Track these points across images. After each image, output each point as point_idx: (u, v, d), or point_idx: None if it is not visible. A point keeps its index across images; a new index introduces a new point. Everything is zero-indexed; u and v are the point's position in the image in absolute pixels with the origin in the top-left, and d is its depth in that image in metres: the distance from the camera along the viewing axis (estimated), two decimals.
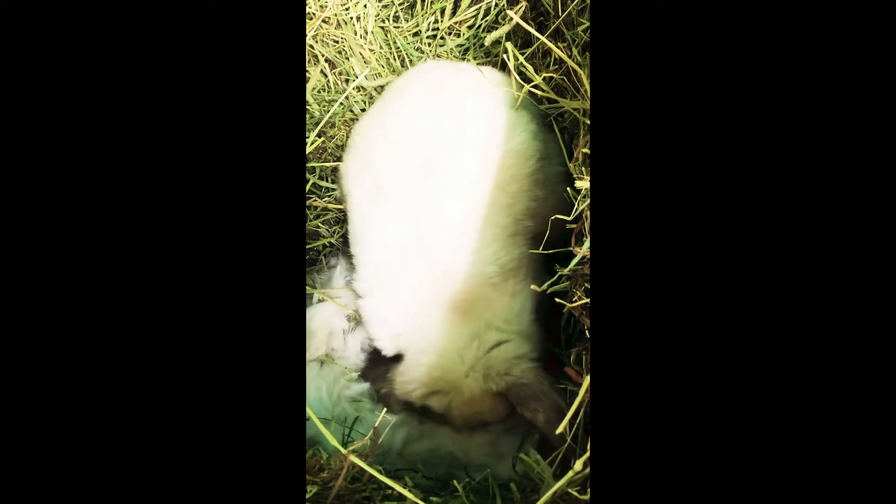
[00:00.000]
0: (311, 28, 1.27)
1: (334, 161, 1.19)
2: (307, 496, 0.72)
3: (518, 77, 0.84)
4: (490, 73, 1.03)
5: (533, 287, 0.78)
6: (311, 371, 1.04)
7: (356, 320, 1.11)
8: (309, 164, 1.09)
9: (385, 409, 0.90)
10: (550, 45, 0.79)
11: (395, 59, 1.31)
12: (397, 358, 0.99)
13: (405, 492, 0.70)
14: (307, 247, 1.18)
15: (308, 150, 0.96)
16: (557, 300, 0.77)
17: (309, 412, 0.78)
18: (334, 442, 0.72)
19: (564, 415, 0.84)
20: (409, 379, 0.96)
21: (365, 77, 1.25)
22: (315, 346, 1.05)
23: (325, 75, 1.27)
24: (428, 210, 0.92)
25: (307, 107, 1.18)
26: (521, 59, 0.80)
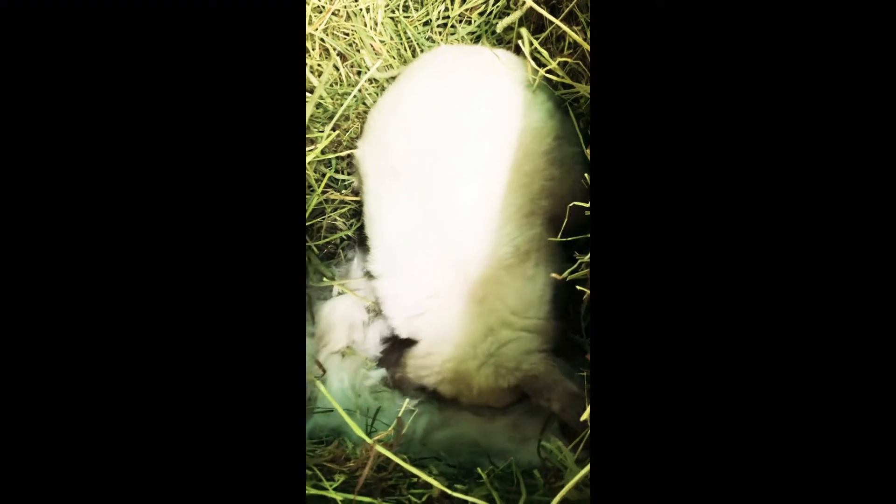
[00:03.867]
0: (321, 21, 1.26)
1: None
2: (334, 486, 0.74)
3: (533, 62, 0.83)
4: (505, 55, 1.02)
5: (553, 276, 0.78)
6: (333, 363, 1.05)
7: (375, 311, 1.12)
8: (325, 157, 1.10)
9: (407, 400, 0.91)
10: (565, 28, 0.78)
11: (405, 50, 1.30)
12: (411, 342, 1.00)
13: (431, 479, 0.70)
14: (324, 240, 1.19)
15: (323, 144, 0.96)
16: (579, 287, 0.76)
17: (334, 403, 0.80)
18: (360, 432, 0.73)
19: (579, 399, 0.84)
20: (423, 365, 0.97)
21: (376, 69, 1.25)
22: (336, 339, 1.06)
23: (337, 69, 1.27)
24: (441, 190, 0.91)
25: (320, 101, 1.18)
26: (536, 43, 0.79)
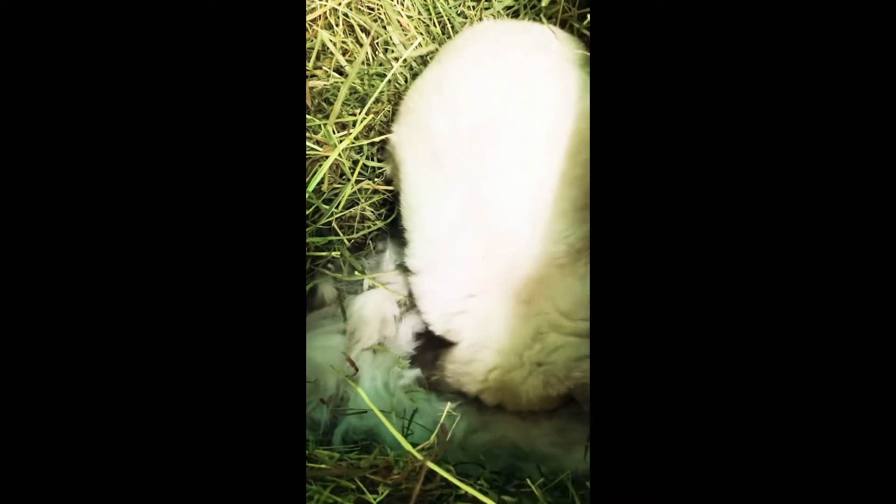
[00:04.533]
0: None
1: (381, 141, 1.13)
2: (378, 499, 0.69)
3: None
4: (560, 32, 0.93)
5: None
6: (365, 361, 1.00)
7: (407, 306, 1.07)
8: (356, 143, 1.03)
9: (448, 404, 0.86)
10: None
11: (435, 26, 1.22)
12: (449, 343, 0.95)
13: (483, 497, 0.66)
14: (359, 234, 1.12)
15: (358, 130, 0.89)
16: None
17: (373, 408, 0.75)
18: (406, 445, 0.68)
19: None
20: (465, 372, 0.92)
21: (404, 46, 1.17)
22: (368, 335, 1.02)
23: (362, 45, 1.19)
24: (489, 180, 0.84)
25: (352, 84, 1.10)
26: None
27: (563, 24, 1.06)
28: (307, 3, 1.12)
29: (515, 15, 1.17)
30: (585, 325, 0.87)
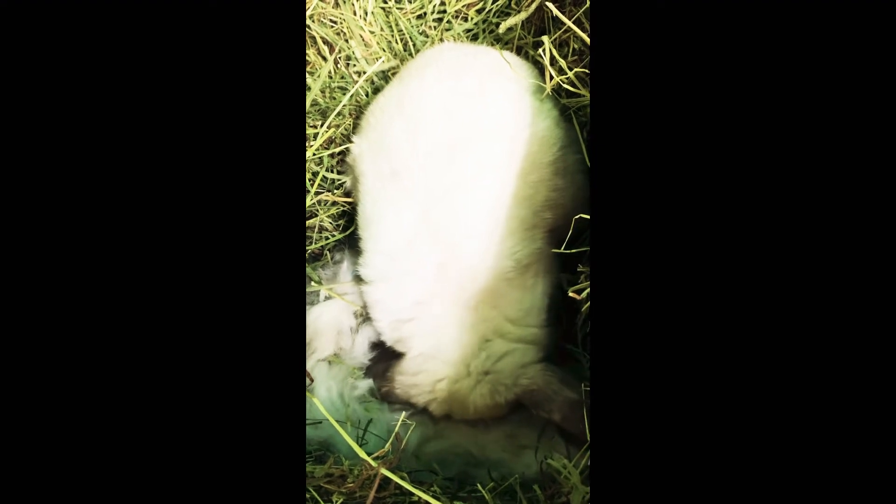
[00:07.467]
0: (308, 6, 1.19)
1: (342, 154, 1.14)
2: None
3: (552, 70, 0.80)
4: (515, 60, 0.99)
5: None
6: (320, 372, 1.01)
7: (363, 317, 1.08)
8: (317, 154, 1.04)
9: (403, 413, 0.88)
10: (581, 34, 0.75)
11: (397, 42, 1.25)
12: (399, 354, 0.97)
13: (436, 502, 0.68)
14: (317, 245, 1.13)
15: (320, 142, 0.90)
16: (573, 294, 0.74)
17: (329, 417, 0.76)
18: (362, 453, 0.69)
19: (579, 406, 0.83)
20: (412, 383, 0.94)
21: (366, 61, 1.19)
22: (323, 346, 1.02)
23: (325, 58, 1.20)
24: (445, 197, 0.88)
25: (314, 97, 1.11)
26: (556, 54, 0.76)
27: (519, 51, 1.12)
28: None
29: (475, 38, 1.22)
30: (531, 330, 0.91)
